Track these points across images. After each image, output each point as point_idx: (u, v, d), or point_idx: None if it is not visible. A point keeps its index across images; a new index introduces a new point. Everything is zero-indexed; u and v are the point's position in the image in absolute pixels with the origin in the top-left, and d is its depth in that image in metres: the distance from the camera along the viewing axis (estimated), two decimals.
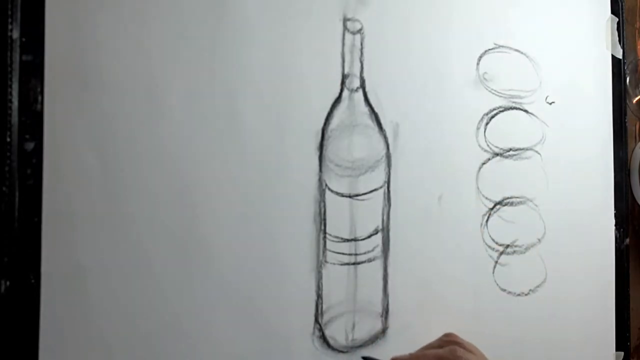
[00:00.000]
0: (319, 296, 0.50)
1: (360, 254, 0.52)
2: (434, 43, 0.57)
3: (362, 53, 0.52)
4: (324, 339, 0.50)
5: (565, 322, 0.63)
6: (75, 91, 0.41)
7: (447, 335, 0.53)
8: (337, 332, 0.50)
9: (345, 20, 0.52)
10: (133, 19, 0.43)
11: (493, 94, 0.60)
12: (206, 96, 0.46)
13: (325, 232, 0.50)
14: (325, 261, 0.50)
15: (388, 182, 0.53)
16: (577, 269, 0.64)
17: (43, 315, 0.40)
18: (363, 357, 0.51)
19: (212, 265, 0.45)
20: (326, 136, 0.50)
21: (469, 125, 0.59)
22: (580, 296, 0.64)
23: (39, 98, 0.40)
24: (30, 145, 0.40)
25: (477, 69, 0.59)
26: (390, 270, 0.53)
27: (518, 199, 0.61)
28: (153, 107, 0.44)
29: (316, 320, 0.50)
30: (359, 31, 0.52)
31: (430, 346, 0.53)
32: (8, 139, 0.39)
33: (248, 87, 0.47)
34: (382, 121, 0.53)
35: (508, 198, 0.61)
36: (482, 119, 0.59)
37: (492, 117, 0.60)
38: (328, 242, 0.50)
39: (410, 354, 0.51)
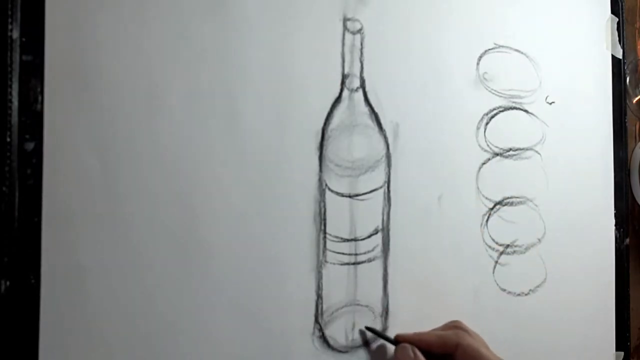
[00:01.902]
0: (319, 296, 0.50)
1: (360, 254, 0.52)
2: (434, 43, 0.57)
3: (362, 53, 0.52)
4: (324, 339, 0.50)
5: (565, 322, 0.63)
6: (75, 91, 0.41)
7: (453, 321, 0.54)
8: (337, 332, 0.50)
9: (345, 20, 0.52)
10: (133, 19, 0.43)
11: (493, 94, 0.60)
12: (206, 96, 0.46)
13: (325, 232, 0.50)
14: (325, 261, 0.50)
15: (388, 182, 0.53)
16: (577, 269, 0.64)
17: (43, 315, 0.40)
18: (366, 327, 0.51)
19: (212, 265, 0.45)
20: (326, 136, 0.50)
21: (469, 125, 0.59)
22: (580, 296, 0.65)
23: (39, 98, 0.40)
24: (30, 145, 0.40)
25: (477, 69, 0.59)
26: (390, 270, 0.53)
27: (518, 199, 0.62)
28: (153, 107, 0.44)
29: (316, 320, 0.50)
30: (359, 31, 0.52)
31: (435, 329, 0.54)
32: (8, 139, 0.39)
33: (248, 87, 0.47)
34: (382, 121, 0.53)
35: (508, 198, 0.61)
36: (482, 119, 0.59)
37: (492, 117, 0.60)
38: (328, 242, 0.50)
39: (415, 333, 0.52)
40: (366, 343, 0.52)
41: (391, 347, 0.53)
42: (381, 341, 0.52)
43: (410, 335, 0.51)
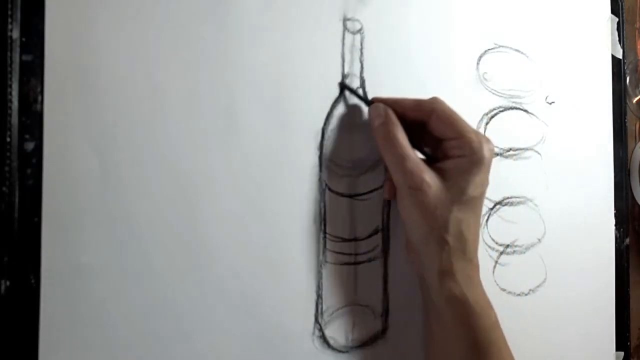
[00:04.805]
0: (319, 296, 0.50)
1: (360, 254, 0.52)
2: (434, 43, 0.57)
3: (362, 53, 0.52)
4: (324, 339, 0.50)
5: (565, 322, 0.63)
6: (75, 91, 0.41)
7: (432, 97, 0.52)
8: (337, 332, 0.50)
9: (345, 20, 0.52)
10: (133, 19, 0.43)
11: (493, 94, 0.60)
12: (206, 96, 0.46)
13: (325, 232, 0.50)
14: (325, 261, 0.50)
15: None
16: (577, 269, 0.64)
17: (43, 315, 0.40)
18: (340, 83, 0.51)
19: (212, 266, 0.45)
20: (326, 136, 0.51)
21: None
22: (580, 296, 0.64)
23: (39, 98, 0.40)
24: (30, 145, 0.40)
25: (477, 69, 0.59)
26: (390, 270, 0.53)
27: (518, 199, 0.61)
28: (153, 106, 0.44)
29: (316, 320, 0.50)
30: (359, 31, 0.52)
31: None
32: (8, 139, 0.39)
33: (248, 87, 0.47)
34: None
35: (508, 198, 0.61)
36: (482, 119, 0.59)
37: (492, 117, 0.60)
38: (328, 242, 0.50)
39: (391, 97, 0.51)
40: (366, 343, 0.52)
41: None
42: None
43: (386, 98, 0.51)
